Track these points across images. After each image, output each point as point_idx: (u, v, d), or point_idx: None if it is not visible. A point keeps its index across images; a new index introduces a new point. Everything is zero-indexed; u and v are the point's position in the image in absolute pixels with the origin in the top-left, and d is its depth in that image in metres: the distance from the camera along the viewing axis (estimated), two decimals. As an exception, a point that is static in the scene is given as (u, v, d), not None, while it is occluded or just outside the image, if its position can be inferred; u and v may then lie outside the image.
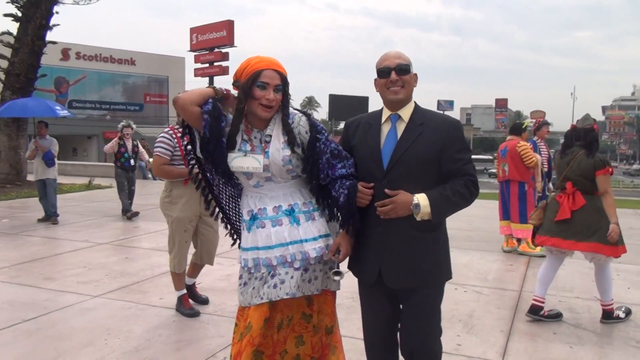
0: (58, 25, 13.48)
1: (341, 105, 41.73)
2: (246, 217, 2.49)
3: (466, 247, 7.01)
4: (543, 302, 4.31)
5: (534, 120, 7.87)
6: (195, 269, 4.50)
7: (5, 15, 13.19)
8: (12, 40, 13.40)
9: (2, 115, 10.23)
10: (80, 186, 13.43)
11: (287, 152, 2.37)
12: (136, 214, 9.02)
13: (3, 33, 13.61)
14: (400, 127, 2.39)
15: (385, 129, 2.41)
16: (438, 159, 2.33)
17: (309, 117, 2.45)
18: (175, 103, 2.41)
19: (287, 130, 2.38)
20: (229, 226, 2.73)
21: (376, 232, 2.36)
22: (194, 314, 4.28)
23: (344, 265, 2.51)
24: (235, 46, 45.27)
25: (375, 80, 2.43)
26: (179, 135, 4.13)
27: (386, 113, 2.43)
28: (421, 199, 2.25)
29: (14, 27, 13.46)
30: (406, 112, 2.40)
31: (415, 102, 2.44)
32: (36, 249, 6.72)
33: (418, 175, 2.32)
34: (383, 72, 2.38)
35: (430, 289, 2.40)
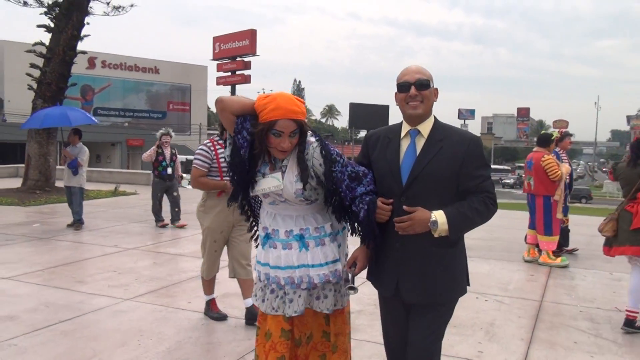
0: (89, 35, 13.89)
1: (361, 113, 41.75)
2: (261, 232, 2.62)
3: (487, 256, 7.06)
4: (637, 315, 4.37)
5: (556, 130, 7.86)
6: (241, 285, 4.38)
7: (39, 26, 13.64)
8: (44, 50, 13.83)
9: (44, 126, 10.41)
10: (106, 193, 13.74)
11: (300, 185, 2.43)
12: (183, 225, 8.99)
13: (36, 44, 14.04)
14: (420, 143, 2.39)
15: (405, 144, 2.42)
16: (457, 175, 2.33)
17: (323, 147, 2.46)
18: (216, 103, 2.48)
19: (302, 167, 2.44)
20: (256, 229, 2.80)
21: (394, 247, 2.39)
22: (222, 318, 4.43)
23: (360, 278, 2.57)
24: (257, 55, 45.82)
25: (395, 94, 2.45)
26: (217, 147, 4.29)
27: (405, 128, 2.44)
28: (438, 216, 2.26)
29: (46, 37, 13.90)
30: (425, 128, 2.40)
31: (435, 117, 2.44)
32: (68, 253, 6.96)
33: (437, 191, 2.33)
34: (403, 87, 2.38)
35: (442, 306, 2.42)
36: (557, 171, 6.47)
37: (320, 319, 2.63)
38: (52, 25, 13.66)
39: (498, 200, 2.44)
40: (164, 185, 9.19)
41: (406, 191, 2.33)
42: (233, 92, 46.88)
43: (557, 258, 6.68)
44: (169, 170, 9.14)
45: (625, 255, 4.51)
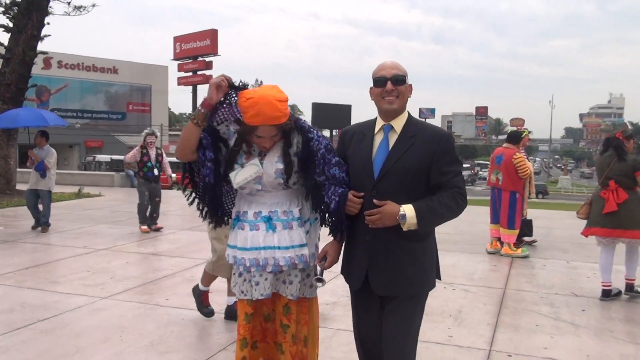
0: (49, 35, 13.64)
1: (324, 113, 41.69)
2: (233, 216, 2.68)
3: (453, 249, 7.35)
4: (610, 285, 5.15)
5: (516, 128, 8.22)
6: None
7: (-4, 26, 13.31)
8: (2, 51, 13.50)
9: (17, 125, 10.02)
10: (70, 195, 13.51)
11: (281, 165, 2.51)
12: (159, 228, 8.87)
13: (-6, 44, 13.71)
14: (392, 138, 2.44)
15: (378, 139, 2.47)
16: (428, 170, 2.38)
17: (298, 123, 2.57)
18: (178, 158, 2.63)
19: (285, 156, 2.54)
20: (204, 211, 2.74)
21: (364, 240, 2.43)
22: (210, 314, 4.43)
23: (332, 272, 2.70)
24: (219, 55, 45.63)
25: (371, 89, 2.49)
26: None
27: (379, 123, 2.49)
28: (407, 209, 2.29)
29: (4, 38, 13.58)
30: (399, 123, 2.45)
31: (408, 113, 2.50)
32: (37, 255, 6.90)
33: (407, 186, 2.37)
34: (379, 82, 2.43)
35: (412, 299, 2.45)
36: (527, 169, 6.83)
37: (279, 309, 2.67)
38: (10, 25, 13.36)
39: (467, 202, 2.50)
40: (149, 187, 8.86)
41: (377, 185, 2.39)
42: (195, 92, 46.63)
43: (518, 249, 7.02)
44: (155, 172, 8.84)
45: (595, 235, 5.21)
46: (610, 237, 5.10)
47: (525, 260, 6.80)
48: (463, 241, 7.99)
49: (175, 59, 46.80)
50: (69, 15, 14.39)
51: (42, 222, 8.69)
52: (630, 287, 5.21)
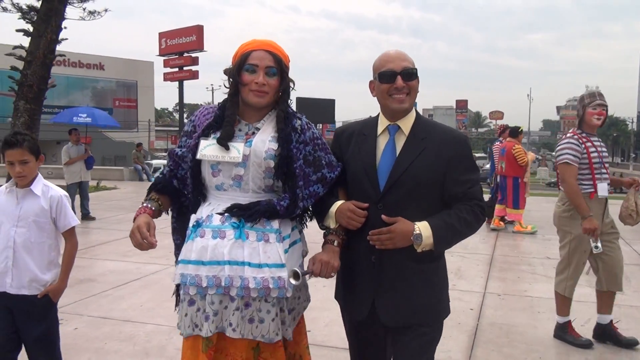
0: (66, 39, 14.60)
1: (309, 108, 42.72)
2: (191, 224, 2.11)
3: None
4: None
5: (501, 125, 9.69)
6: (604, 299, 3.86)
7: (18, 30, 14.23)
8: (23, 54, 14.44)
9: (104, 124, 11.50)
10: (90, 188, 14.54)
11: (274, 145, 2.02)
12: None
13: (15, 47, 14.62)
14: (400, 141, 2.08)
15: (382, 142, 2.11)
16: (442, 180, 2.03)
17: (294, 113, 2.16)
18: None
19: (281, 127, 2.05)
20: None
21: (369, 262, 2.06)
22: (586, 345, 3.80)
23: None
24: (205, 51, 46.43)
25: (372, 83, 2.13)
26: (585, 141, 3.79)
27: (384, 123, 2.13)
28: (423, 228, 1.96)
29: (24, 41, 14.51)
30: (407, 123, 2.09)
31: (416, 111, 2.13)
32: (94, 237, 8.04)
33: (419, 198, 2.02)
34: (386, 76, 2.04)
35: (428, 327, 2.09)
36: (524, 158, 8.30)
37: (249, 351, 2.05)
38: (31, 29, 14.29)
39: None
40: None
41: (384, 197, 2.03)
42: (181, 87, 47.35)
43: (528, 226, 8.38)
44: None
45: None
46: None
47: (509, 234, 8.17)
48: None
49: (161, 54, 47.38)
50: (84, 19, 15.35)
51: (87, 213, 9.74)
52: None
